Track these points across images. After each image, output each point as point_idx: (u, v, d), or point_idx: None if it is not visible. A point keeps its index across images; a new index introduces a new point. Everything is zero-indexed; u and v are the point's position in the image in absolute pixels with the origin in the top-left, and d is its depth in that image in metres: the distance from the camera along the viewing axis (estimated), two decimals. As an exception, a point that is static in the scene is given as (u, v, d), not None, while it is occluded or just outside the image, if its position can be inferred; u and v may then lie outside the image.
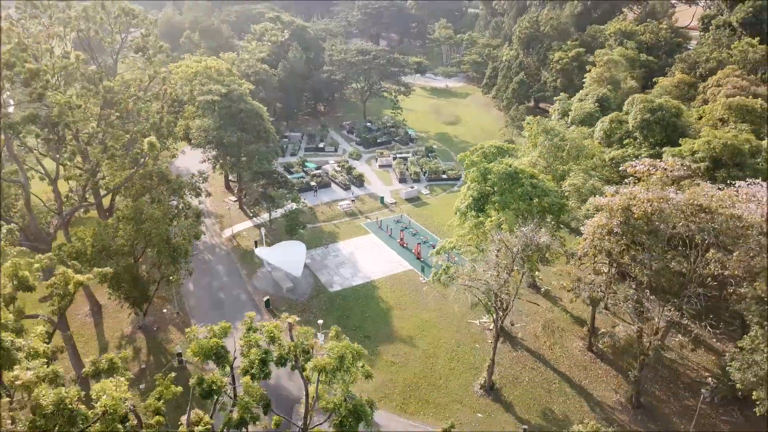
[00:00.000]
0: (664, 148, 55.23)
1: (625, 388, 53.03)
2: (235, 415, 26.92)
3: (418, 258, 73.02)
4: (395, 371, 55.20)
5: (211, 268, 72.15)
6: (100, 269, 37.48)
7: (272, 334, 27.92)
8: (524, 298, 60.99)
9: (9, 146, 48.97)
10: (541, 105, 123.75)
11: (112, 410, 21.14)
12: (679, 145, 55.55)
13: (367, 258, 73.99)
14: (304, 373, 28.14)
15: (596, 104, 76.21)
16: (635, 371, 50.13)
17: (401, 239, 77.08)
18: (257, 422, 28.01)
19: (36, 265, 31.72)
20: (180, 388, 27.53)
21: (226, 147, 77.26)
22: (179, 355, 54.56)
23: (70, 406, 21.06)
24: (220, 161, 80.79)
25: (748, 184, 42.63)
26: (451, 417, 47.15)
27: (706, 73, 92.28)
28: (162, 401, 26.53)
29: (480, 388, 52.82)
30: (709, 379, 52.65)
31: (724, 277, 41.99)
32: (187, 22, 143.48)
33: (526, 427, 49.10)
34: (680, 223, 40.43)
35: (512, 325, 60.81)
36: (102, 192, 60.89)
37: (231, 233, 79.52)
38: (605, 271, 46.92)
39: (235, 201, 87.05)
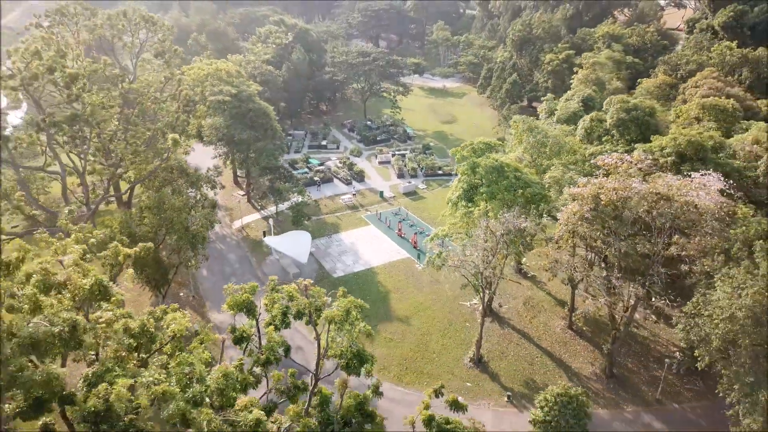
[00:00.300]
0: (637, 145, 60.89)
1: (600, 361, 58.78)
2: (263, 356, 32.63)
3: (414, 247, 78.70)
4: (393, 347, 60.90)
5: (223, 256, 77.83)
6: (143, 243, 43.06)
7: (291, 294, 33.61)
8: (509, 278, 66.82)
9: (50, 142, 54.48)
10: (534, 104, 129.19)
11: (179, 333, 26.86)
12: (651, 141, 61.16)
13: (367, 247, 79.66)
14: (316, 327, 33.82)
15: (581, 104, 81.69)
16: (608, 345, 56.01)
17: (399, 230, 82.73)
18: (279, 362, 33.76)
19: (92, 240, 37.27)
20: (218, 335, 33.37)
21: (236, 144, 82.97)
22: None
23: (150, 330, 27.27)
24: (231, 157, 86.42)
25: (701, 175, 48.33)
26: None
27: (687, 74, 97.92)
28: (204, 345, 32.26)
29: (469, 361, 58.56)
30: (677, 353, 58.28)
31: (682, 257, 47.60)
32: (194, 25, 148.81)
33: (510, 393, 54.89)
34: (642, 210, 46.12)
35: (500, 306, 66.57)
36: (126, 185, 66.34)
37: (240, 224, 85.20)
38: (579, 253, 52.61)
39: (243, 195, 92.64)
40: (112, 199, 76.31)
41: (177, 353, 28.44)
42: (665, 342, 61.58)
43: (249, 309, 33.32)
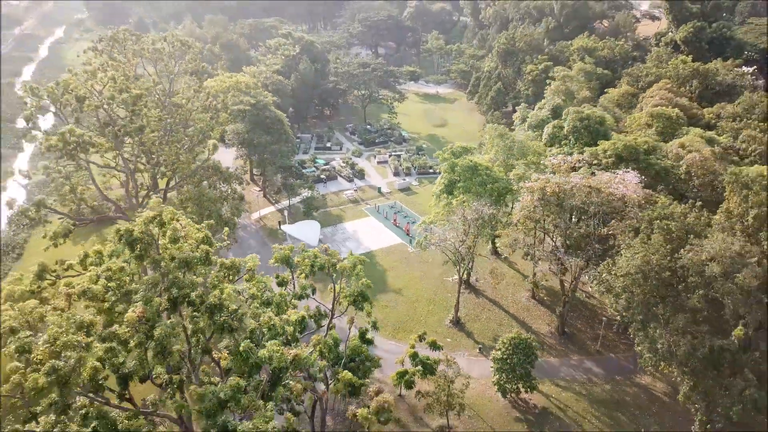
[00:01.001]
0: (586, 148, 74.75)
1: (555, 323, 72.83)
2: (298, 290, 46.78)
3: (407, 234, 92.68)
4: (388, 312, 74.88)
5: (245, 242, 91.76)
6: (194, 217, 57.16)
7: (315, 254, 47.49)
8: (482, 255, 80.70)
9: (118, 147, 68.25)
10: (517, 110, 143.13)
11: (254, 266, 41.81)
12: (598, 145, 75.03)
13: (367, 235, 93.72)
14: (333, 276, 47.76)
15: (550, 112, 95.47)
16: (560, 308, 70.12)
17: (394, 220, 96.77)
18: (308, 298, 47.89)
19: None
20: (265, 279, 47.37)
21: (254, 146, 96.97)
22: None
23: (237, 265, 42.17)
24: (250, 158, 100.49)
25: (623, 171, 62.36)
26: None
27: (646, 85, 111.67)
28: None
29: (449, 323, 72.67)
30: (617, 316, 72.21)
31: (612, 235, 61.49)
32: (209, 36, 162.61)
33: (480, 346, 68.94)
34: (577, 199, 60.10)
35: (476, 281, 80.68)
36: (171, 182, 79.85)
37: (258, 216, 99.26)
38: (534, 234, 66.76)
39: (259, 190, 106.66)
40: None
41: (254, 278, 43.19)
42: (608, 306, 75.56)
43: (288, 262, 47.24)
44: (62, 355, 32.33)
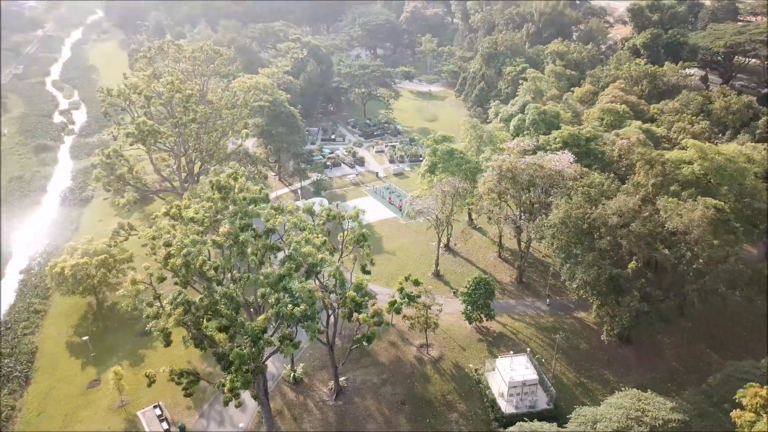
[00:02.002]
0: (541, 136, 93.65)
1: (515, 274, 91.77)
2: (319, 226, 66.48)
3: (399, 209, 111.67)
4: (383, 267, 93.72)
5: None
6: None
7: (330, 208, 66.76)
8: (458, 221, 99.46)
9: (174, 135, 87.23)
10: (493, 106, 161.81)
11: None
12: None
13: (366, 210, 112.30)
14: (342, 224, 66.72)
15: (519, 108, 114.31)
16: (518, 261, 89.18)
17: (389, 199, 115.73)
18: (329, 233, 67.07)
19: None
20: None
21: (272, 136, 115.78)
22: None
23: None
24: (268, 146, 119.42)
25: (561, 153, 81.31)
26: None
27: (605, 85, 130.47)
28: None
29: (431, 275, 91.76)
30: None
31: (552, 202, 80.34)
32: (224, 41, 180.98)
33: (455, 291, 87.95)
34: (526, 174, 79.02)
35: (455, 245, 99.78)
36: (202, 166, 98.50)
37: (275, 195, 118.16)
38: (497, 203, 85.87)
39: (275, 175, 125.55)
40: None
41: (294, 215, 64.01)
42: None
43: (311, 211, 66.58)
44: (188, 249, 51.90)
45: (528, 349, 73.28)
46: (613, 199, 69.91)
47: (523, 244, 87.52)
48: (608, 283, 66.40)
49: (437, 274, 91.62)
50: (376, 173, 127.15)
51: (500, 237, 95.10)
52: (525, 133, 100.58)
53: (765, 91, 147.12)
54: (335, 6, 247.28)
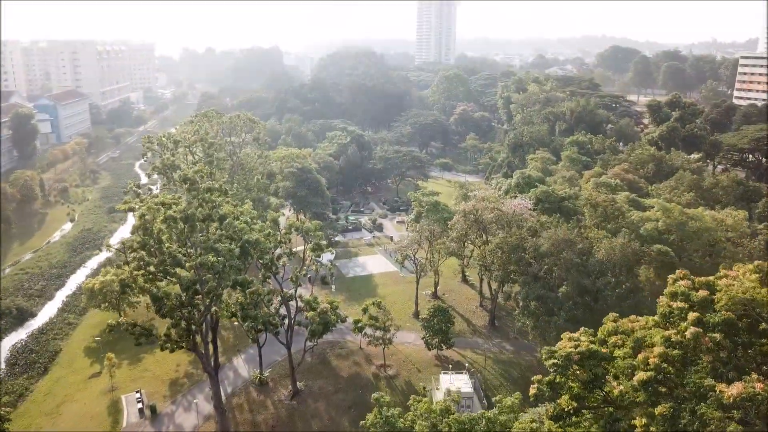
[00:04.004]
0: (522, 194, 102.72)
1: (488, 318, 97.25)
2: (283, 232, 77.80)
3: (402, 265, 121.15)
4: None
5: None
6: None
7: (290, 219, 79.14)
8: (442, 264, 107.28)
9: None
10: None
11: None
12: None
13: (372, 265, 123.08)
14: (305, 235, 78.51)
15: (519, 178, 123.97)
16: (490, 305, 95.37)
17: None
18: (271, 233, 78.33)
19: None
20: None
21: (297, 197, 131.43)
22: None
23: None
24: (295, 206, 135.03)
25: (520, 199, 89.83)
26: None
27: (612, 167, 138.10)
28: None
29: (412, 315, 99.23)
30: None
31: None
32: (284, 129, 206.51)
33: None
34: (487, 214, 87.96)
35: (443, 294, 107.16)
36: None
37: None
38: (463, 243, 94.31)
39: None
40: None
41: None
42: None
43: (276, 221, 79.11)
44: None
45: (470, 369, 78.40)
46: (550, 230, 77.37)
47: (493, 286, 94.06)
48: (536, 303, 72.30)
49: (417, 316, 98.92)
50: (390, 237, 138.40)
51: (481, 287, 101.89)
52: (509, 193, 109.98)
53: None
54: (395, 110, 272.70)
